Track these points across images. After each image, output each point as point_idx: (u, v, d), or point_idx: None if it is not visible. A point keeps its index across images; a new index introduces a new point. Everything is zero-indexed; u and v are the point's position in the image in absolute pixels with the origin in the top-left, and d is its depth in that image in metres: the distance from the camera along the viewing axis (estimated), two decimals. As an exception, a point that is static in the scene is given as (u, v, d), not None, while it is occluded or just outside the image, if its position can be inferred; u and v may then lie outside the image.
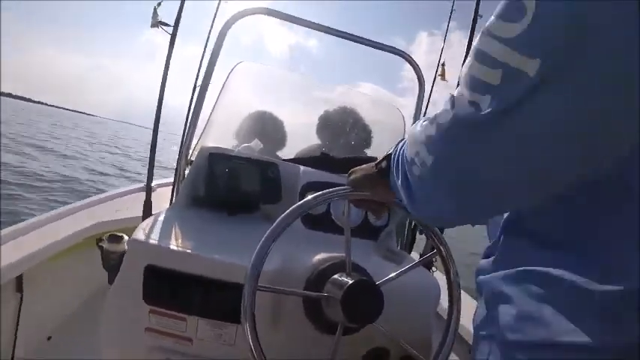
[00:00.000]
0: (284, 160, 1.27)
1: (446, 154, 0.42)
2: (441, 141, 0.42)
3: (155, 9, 1.42)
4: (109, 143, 23.41)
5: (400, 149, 0.55)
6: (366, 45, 1.41)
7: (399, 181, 0.53)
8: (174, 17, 1.50)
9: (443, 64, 1.90)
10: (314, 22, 1.33)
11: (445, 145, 0.42)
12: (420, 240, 1.33)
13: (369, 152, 1.49)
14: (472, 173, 0.40)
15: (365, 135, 1.50)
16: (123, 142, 28.59)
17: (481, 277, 0.50)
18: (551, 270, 0.41)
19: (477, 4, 1.71)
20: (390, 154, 0.59)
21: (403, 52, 1.44)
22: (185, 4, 1.50)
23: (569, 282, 0.39)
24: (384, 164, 0.63)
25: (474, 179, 0.40)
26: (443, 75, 1.88)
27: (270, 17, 1.29)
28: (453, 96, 0.41)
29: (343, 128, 1.50)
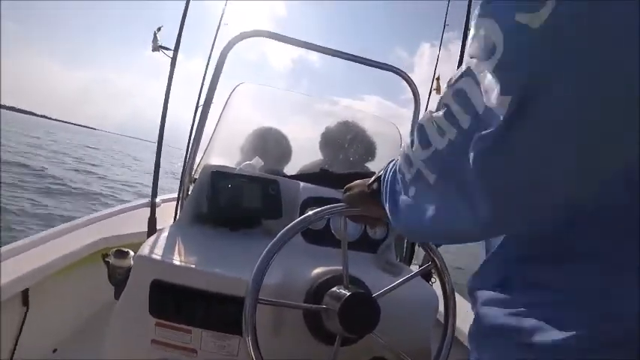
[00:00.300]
0: (284, 176, 1.31)
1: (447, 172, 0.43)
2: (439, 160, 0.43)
3: (155, 34, 1.47)
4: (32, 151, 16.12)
5: (391, 170, 0.55)
6: (363, 64, 1.46)
7: (387, 202, 0.54)
8: (176, 38, 1.56)
9: (438, 79, 1.94)
10: (313, 44, 1.37)
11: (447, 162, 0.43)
12: (419, 252, 1.35)
13: (370, 165, 1.53)
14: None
15: (363, 150, 1.54)
16: (73, 150, 22.27)
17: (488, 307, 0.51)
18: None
19: (467, 19, 1.75)
20: (380, 175, 0.61)
21: (398, 69, 1.48)
22: (187, 23, 1.56)
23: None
24: (375, 186, 0.65)
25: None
26: (438, 89, 1.92)
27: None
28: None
29: (342, 144, 1.54)
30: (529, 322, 0.43)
